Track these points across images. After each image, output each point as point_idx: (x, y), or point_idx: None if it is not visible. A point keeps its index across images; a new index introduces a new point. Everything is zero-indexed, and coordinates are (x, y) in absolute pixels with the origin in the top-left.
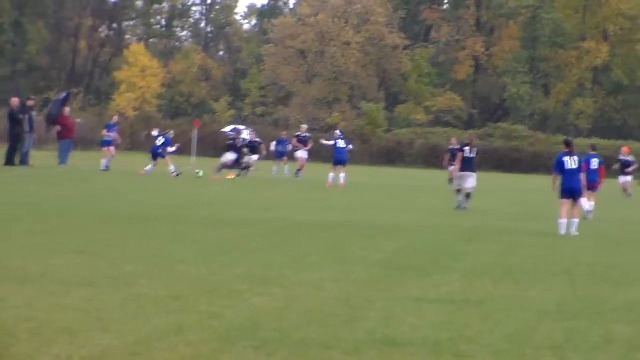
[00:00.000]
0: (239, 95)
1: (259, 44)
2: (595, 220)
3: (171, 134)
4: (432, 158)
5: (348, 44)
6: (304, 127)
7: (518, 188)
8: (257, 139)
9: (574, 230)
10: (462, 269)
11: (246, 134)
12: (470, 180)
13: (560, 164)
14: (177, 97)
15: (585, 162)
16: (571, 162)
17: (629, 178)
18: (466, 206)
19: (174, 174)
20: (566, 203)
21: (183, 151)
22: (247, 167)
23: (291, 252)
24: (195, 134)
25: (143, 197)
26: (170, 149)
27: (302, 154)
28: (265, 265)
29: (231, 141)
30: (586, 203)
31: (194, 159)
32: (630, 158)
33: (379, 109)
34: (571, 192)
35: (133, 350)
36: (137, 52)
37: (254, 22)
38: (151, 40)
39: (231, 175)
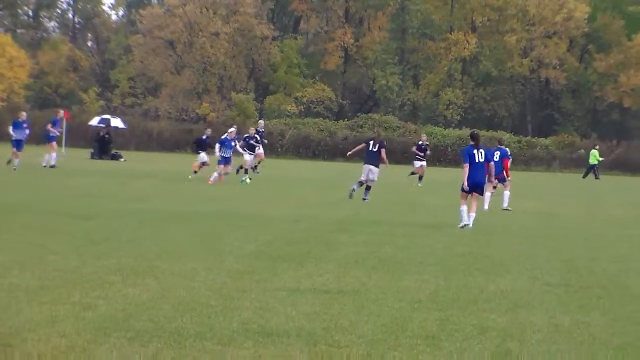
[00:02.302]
0: (108, 86)
1: (127, 34)
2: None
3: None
4: (303, 149)
5: (217, 34)
6: (261, 122)
7: (389, 179)
8: (254, 136)
9: (470, 224)
10: (336, 259)
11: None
12: (371, 173)
13: (470, 156)
14: (45, 88)
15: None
16: (479, 156)
17: None
18: (366, 198)
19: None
20: (467, 196)
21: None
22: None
23: (163, 242)
24: (64, 125)
25: (13, 188)
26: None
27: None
28: (137, 256)
29: (104, 135)
30: (488, 197)
31: (64, 150)
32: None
33: (249, 99)
34: (475, 186)
35: (5, 342)
36: (4, 42)
37: (121, 12)
38: (18, 30)
39: None
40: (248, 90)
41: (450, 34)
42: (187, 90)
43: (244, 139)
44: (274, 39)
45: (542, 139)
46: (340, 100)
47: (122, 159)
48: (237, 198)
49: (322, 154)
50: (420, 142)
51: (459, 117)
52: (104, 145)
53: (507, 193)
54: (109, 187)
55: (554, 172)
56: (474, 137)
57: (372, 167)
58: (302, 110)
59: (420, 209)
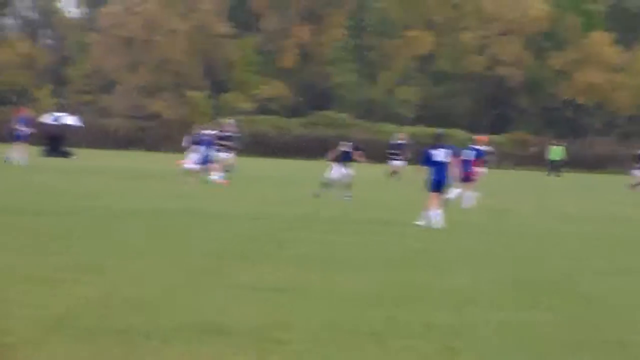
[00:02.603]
0: (64, 84)
1: (85, 32)
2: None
3: None
4: (259, 146)
5: (174, 32)
6: (232, 122)
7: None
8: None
9: (440, 221)
10: (286, 256)
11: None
12: (340, 173)
13: (429, 157)
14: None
15: (459, 154)
16: (440, 155)
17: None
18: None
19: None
20: (436, 196)
21: (5, 139)
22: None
23: (116, 240)
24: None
25: None
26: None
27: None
28: (88, 253)
29: None
30: (453, 193)
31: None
32: (487, 148)
33: (203, 97)
34: (440, 185)
35: None
36: None
37: (80, 10)
38: None
39: None
40: (204, 88)
41: (408, 31)
42: (142, 87)
43: (222, 138)
44: (231, 36)
45: (496, 136)
46: (296, 98)
47: (74, 157)
48: (194, 196)
49: (277, 151)
50: (397, 141)
51: (414, 115)
52: (56, 142)
53: (469, 194)
54: (61, 184)
55: (507, 169)
56: (436, 137)
57: (340, 167)
58: (258, 107)
59: (374, 205)
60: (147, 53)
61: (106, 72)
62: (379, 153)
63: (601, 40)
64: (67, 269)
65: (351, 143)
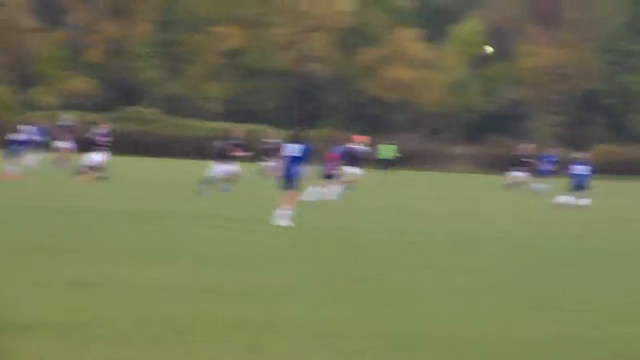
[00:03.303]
0: None
1: None
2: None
3: None
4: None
5: None
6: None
7: (152, 171)
8: None
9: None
10: (93, 251)
11: None
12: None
13: (283, 152)
14: None
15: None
16: (290, 150)
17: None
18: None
19: None
20: (286, 194)
21: None
22: None
23: None
24: None
25: None
26: None
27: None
28: None
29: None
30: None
31: None
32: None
33: (8, 92)
34: (287, 181)
35: None
36: None
37: None
38: None
39: None
40: (9, 83)
41: (215, 26)
42: None
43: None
44: (37, 30)
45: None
46: (103, 93)
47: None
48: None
49: (83, 146)
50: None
51: (222, 110)
52: None
53: (332, 188)
54: None
55: (316, 165)
56: (295, 132)
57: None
58: (65, 103)
59: (178, 202)
60: None
61: None
62: (187, 148)
63: (407, 37)
64: None
65: (230, 139)
